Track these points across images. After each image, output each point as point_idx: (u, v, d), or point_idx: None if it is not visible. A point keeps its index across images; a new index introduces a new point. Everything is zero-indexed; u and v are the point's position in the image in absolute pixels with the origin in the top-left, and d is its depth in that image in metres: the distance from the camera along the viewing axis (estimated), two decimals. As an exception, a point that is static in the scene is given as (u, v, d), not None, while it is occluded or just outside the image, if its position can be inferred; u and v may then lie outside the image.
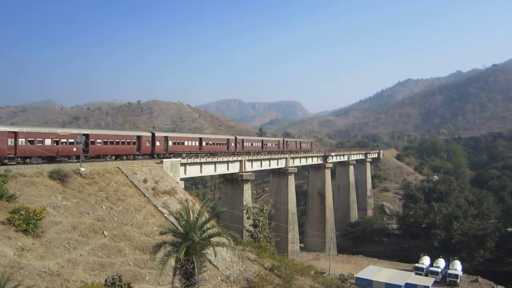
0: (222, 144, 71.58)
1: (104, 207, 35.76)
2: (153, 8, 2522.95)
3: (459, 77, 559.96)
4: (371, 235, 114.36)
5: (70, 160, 42.38)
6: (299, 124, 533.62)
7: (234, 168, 71.86)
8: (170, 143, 58.19)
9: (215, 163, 66.45)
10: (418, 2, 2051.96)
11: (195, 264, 25.03)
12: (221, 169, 69.10)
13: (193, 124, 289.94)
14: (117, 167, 43.90)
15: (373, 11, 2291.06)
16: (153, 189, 43.49)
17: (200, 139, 65.63)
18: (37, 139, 39.37)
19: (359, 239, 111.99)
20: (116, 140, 49.87)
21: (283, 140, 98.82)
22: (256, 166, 80.00)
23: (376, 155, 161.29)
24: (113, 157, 50.79)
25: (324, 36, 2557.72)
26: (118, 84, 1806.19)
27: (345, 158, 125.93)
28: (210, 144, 68.03)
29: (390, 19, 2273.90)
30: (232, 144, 74.05)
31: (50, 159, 41.56)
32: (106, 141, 48.17)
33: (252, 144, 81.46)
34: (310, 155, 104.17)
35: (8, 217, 27.63)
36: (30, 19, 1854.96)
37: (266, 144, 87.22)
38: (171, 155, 57.98)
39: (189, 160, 59.65)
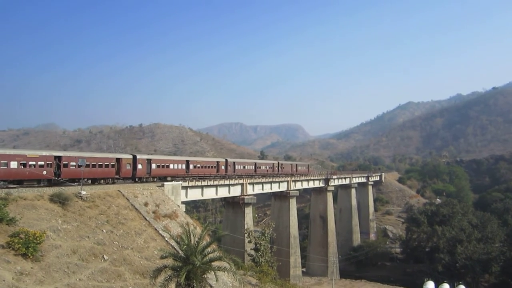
0: (212, 167, 69.67)
1: (104, 230, 35.52)
2: (152, 28, 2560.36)
3: (459, 100, 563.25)
4: (374, 259, 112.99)
5: (38, 185, 41.50)
6: (301, 147, 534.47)
7: (236, 191, 71.60)
8: (153, 166, 56.11)
9: (216, 186, 66.28)
10: (416, 26, 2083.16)
11: (196, 289, 24.72)
12: (223, 192, 68.86)
13: (194, 147, 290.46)
14: (118, 190, 43.83)
15: (374, 33, 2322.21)
16: (154, 212, 43.28)
17: (187, 162, 63.87)
18: (1, 161, 37.35)
19: (362, 263, 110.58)
20: (93, 163, 46.51)
21: (278, 163, 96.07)
22: (258, 189, 79.75)
23: (378, 178, 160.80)
24: (89, 181, 48.23)
25: (324, 59, 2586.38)
26: (120, 107, 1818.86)
27: (347, 181, 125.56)
28: (199, 167, 66.18)
29: (391, 41, 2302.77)
30: (223, 167, 72.07)
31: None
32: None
33: (244, 167, 79.42)
34: (312, 178, 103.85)
35: (8, 240, 27.45)
36: (30, 41, 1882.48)
37: (260, 167, 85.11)
38: (155, 179, 56.73)
39: (190, 183, 59.43)
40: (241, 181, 72.67)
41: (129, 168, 52.29)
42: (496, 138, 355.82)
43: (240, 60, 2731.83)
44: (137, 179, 53.83)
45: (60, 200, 35.22)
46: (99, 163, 47.70)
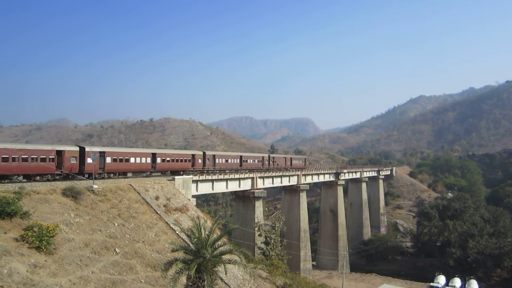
0: (185, 160, 61.30)
1: (116, 224, 35.91)
2: (161, 21, 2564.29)
3: (472, 94, 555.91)
4: (384, 253, 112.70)
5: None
6: (311, 141, 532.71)
7: (246, 185, 71.83)
8: (108, 160, 49.18)
9: (226, 180, 66.55)
10: (430, 19, 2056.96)
11: (206, 282, 24.96)
12: (233, 186, 69.15)
13: (205, 142, 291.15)
14: (130, 184, 44.23)
15: (386, 28, 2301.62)
16: (165, 206, 43.63)
17: (154, 155, 55.99)
18: None
19: (373, 257, 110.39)
20: (23, 156, 39.37)
21: (269, 156, 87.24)
22: (268, 183, 79.94)
23: (388, 172, 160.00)
24: (21, 178, 41.10)
25: (335, 52, 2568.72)
26: (131, 102, 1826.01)
27: (358, 175, 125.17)
28: (168, 161, 58.35)
29: (403, 35, 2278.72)
30: (199, 161, 63.86)
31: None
32: (7, 157, 37.77)
33: (227, 161, 71.46)
34: (322, 172, 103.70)
35: (22, 234, 27.92)
36: (40, 35, 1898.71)
37: (246, 161, 77.36)
38: (111, 175, 50.69)
39: (201, 177, 59.70)
40: (251, 175, 72.85)
41: (75, 162, 44.89)
42: (509, 132, 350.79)
43: (251, 55, 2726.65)
44: (85, 175, 45.90)
45: (73, 194, 35.66)
46: (32, 157, 40.09)
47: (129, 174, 53.61)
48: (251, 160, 79.78)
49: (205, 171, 64.14)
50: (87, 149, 46.37)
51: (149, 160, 55.08)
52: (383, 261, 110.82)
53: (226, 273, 28.94)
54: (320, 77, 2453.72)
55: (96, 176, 45.40)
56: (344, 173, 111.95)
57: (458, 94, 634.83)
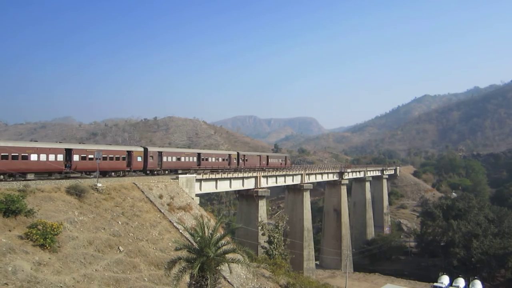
0: (119, 158, 50.31)
1: (120, 222, 36.01)
2: (164, 21, 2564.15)
3: (477, 93, 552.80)
4: (388, 253, 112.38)
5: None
6: (315, 140, 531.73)
7: (249, 184, 71.80)
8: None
9: (230, 179, 66.50)
10: (436, 19, 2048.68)
11: (210, 281, 24.99)
12: (236, 185, 69.11)
13: (208, 140, 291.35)
14: (133, 183, 44.30)
15: (391, 28, 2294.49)
16: (168, 204, 43.69)
17: (68, 151, 43.88)
18: None
19: (376, 257, 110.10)
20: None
21: (238, 154, 77.09)
22: (271, 182, 79.87)
23: (392, 172, 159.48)
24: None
25: (340, 52, 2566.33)
26: (135, 100, 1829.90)
27: (361, 175, 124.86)
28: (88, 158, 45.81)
29: (408, 35, 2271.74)
30: (139, 159, 52.79)
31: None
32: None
33: (179, 159, 60.47)
34: (326, 171, 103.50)
35: (26, 231, 28.06)
36: (44, 33, 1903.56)
37: (206, 159, 67.07)
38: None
39: (204, 176, 59.74)
40: (255, 174, 72.78)
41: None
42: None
43: (255, 54, 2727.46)
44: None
45: (77, 192, 35.79)
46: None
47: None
48: (213, 159, 69.67)
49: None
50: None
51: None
52: (387, 261, 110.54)
53: (230, 272, 28.97)
54: (324, 77, 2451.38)
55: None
56: (348, 172, 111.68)
57: (463, 93, 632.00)
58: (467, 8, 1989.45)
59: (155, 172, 54.08)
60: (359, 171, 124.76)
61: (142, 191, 43.38)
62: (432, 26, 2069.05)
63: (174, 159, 59.05)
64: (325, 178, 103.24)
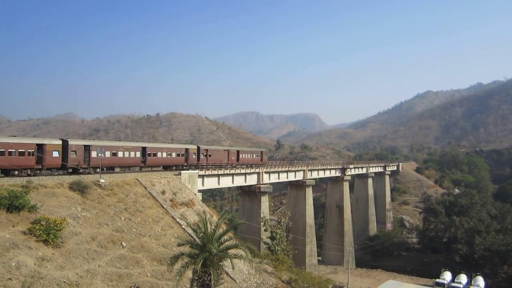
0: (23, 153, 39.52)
1: (122, 218, 36.10)
2: (174, 22, 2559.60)
3: (480, 89, 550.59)
4: (390, 249, 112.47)
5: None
6: (317, 136, 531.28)
7: (252, 180, 71.82)
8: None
9: (232, 175, 66.47)
10: (439, 14, 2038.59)
11: (212, 276, 25.02)
12: (239, 181, 69.10)
13: (211, 137, 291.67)
14: (136, 179, 44.40)
15: (394, 22, 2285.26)
16: (171, 200, 43.78)
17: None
18: None
19: (378, 253, 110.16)
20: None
21: (198, 148, 65.91)
22: (274, 178, 79.87)
23: (395, 168, 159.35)
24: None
25: (341, 47, 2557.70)
26: (138, 96, 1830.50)
27: (364, 171, 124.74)
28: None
29: (411, 30, 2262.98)
30: (56, 154, 43.04)
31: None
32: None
33: (114, 154, 51.15)
34: (328, 167, 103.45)
35: (30, 227, 28.16)
36: (51, 34, 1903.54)
37: (154, 154, 57.00)
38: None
39: (207, 172, 59.75)
40: (257, 170, 72.78)
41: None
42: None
43: (255, 47, 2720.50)
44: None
45: (80, 188, 35.87)
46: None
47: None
48: (164, 154, 59.15)
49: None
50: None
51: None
52: (389, 257, 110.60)
53: (233, 268, 29.03)
54: (326, 73, 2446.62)
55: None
56: (350, 168, 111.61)
57: (465, 89, 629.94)
58: (470, 3, 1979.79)
59: (80, 170, 45.36)
60: (362, 167, 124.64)
61: (145, 187, 43.47)
62: (435, 22, 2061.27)
63: (108, 154, 49.86)
64: (327, 174, 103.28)
